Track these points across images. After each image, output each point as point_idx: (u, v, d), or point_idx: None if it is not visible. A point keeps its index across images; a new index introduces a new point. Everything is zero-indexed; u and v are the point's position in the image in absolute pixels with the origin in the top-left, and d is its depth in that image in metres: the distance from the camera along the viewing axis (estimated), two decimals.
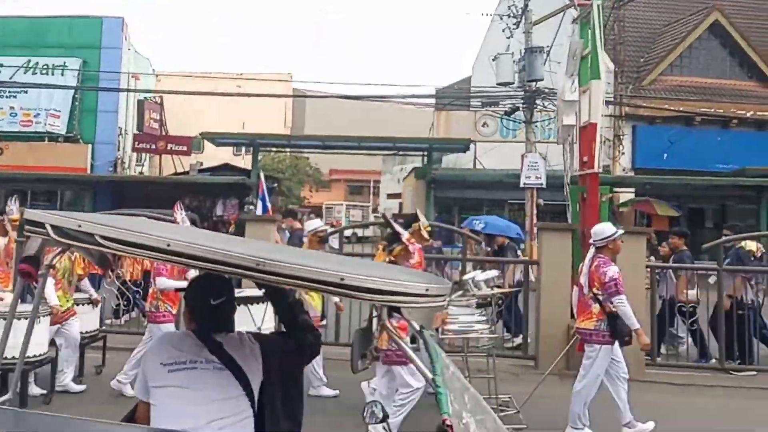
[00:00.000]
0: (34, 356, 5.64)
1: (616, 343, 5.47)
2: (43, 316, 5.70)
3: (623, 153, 19.20)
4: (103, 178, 19.08)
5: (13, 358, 5.28)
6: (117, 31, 20.15)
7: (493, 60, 16.86)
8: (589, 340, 5.53)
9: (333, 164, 40.99)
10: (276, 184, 21.97)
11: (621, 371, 5.53)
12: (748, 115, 19.90)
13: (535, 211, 16.57)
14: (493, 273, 6.60)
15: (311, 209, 37.06)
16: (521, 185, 16.38)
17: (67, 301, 6.37)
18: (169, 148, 20.33)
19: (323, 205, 38.66)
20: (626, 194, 19.70)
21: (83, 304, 6.55)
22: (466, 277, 6.42)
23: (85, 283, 6.75)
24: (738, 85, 20.68)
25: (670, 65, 20.53)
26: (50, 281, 5.87)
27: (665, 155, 19.44)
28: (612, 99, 19.32)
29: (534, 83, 16.08)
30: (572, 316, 7.15)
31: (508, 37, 17.15)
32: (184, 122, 23.49)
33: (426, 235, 6.10)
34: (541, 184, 16.38)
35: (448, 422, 1.86)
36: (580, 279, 5.71)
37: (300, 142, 20.35)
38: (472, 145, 20.01)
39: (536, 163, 16.44)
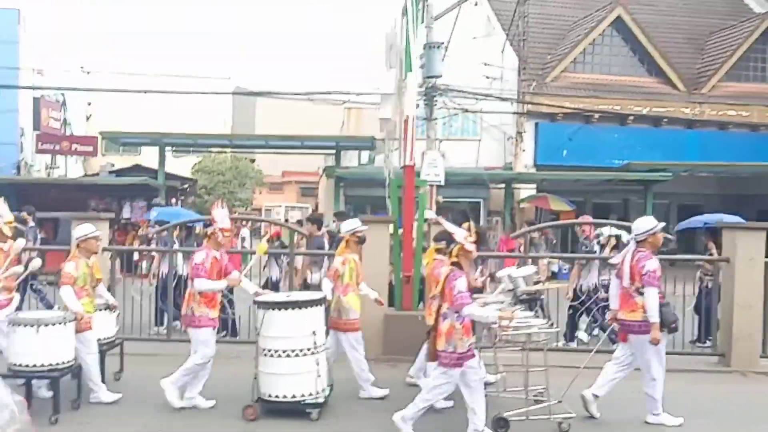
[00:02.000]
0: (63, 363, 5.66)
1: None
2: (68, 322, 5.69)
3: (524, 150, 19.70)
4: (3, 180, 18.75)
5: (26, 366, 5.56)
6: (12, 23, 19.60)
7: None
8: (637, 331, 5.70)
9: (287, 166, 40.87)
10: (186, 186, 21.82)
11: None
12: (644, 111, 20.62)
13: (434, 208, 16.94)
14: (531, 269, 6.63)
15: (257, 211, 36.98)
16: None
17: (94, 307, 6.23)
18: (73, 148, 20.01)
19: (263, 207, 38.68)
20: (529, 191, 20.26)
21: (101, 310, 6.46)
22: (500, 273, 6.43)
23: (102, 289, 6.57)
24: (638, 81, 21.42)
25: (573, 62, 21.10)
26: (69, 289, 5.86)
27: (565, 152, 20.04)
28: (515, 96, 19.82)
29: (433, 79, 16.36)
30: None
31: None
32: (114, 122, 23.04)
33: (474, 236, 5.89)
34: (440, 181, 16.76)
35: None
36: (621, 271, 5.85)
37: (207, 141, 20.23)
38: (379, 144, 20.26)
39: (435, 160, 16.76)
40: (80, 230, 6.12)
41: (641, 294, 5.65)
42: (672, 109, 21.08)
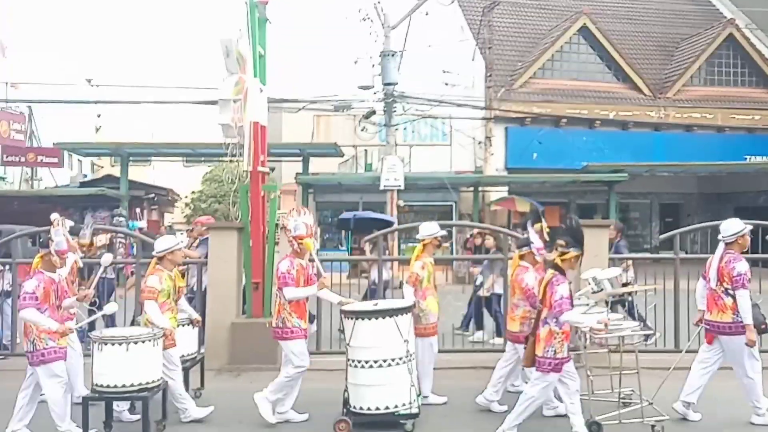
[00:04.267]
0: (153, 382, 5.38)
1: None
2: (158, 339, 5.42)
3: (492, 154, 19.87)
4: None
5: (108, 386, 5.20)
6: None
7: (355, 64, 17.32)
8: (727, 332, 5.72)
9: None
10: (152, 195, 21.66)
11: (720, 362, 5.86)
12: (611, 115, 20.98)
13: (395, 212, 17.03)
14: (617, 270, 6.48)
15: None
16: (381, 188, 16.85)
17: (176, 322, 6.02)
18: (39, 160, 19.84)
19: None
20: (501, 193, 20.42)
21: (183, 325, 6.22)
22: (584, 275, 6.29)
23: (183, 302, 6.35)
24: (605, 87, 21.85)
25: (542, 69, 21.48)
26: (155, 305, 5.64)
27: (534, 155, 20.27)
28: (482, 102, 20.05)
29: (390, 86, 16.57)
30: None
31: (375, 41, 17.66)
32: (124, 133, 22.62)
33: (546, 237, 6.05)
34: (400, 186, 16.94)
35: None
36: (708, 273, 5.89)
37: (168, 150, 20.10)
38: (351, 150, 20.41)
39: (395, 165, 16.95)
40: (165, 243, 5.92)
41: (730, 295, 5.68)
42: (638, 113, 21.52)
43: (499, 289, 9.04)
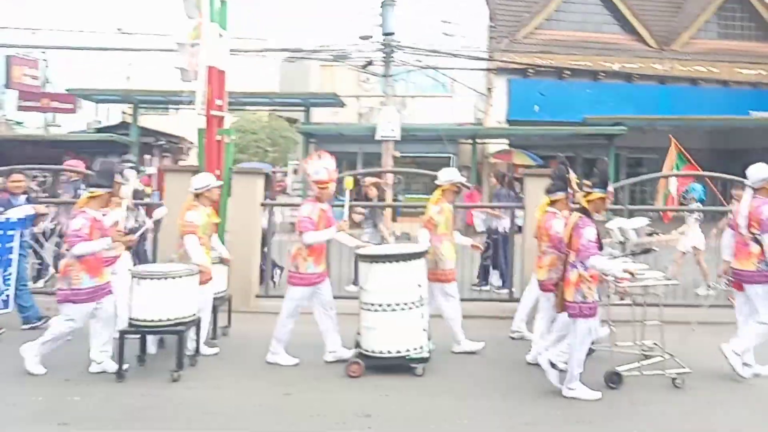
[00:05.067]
0: (189, 316, 5.51)
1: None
2: (194, 275, 5.53)
3: (492, 105, 20.12)
4: None
5: (152, 320, 5.34)
6: None
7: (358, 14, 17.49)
8: (750, 281, 5.61)
9: None
10: (162, 142, 22.22)
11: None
12: (616, 68, 20.98)
13: (391, 163, 17.47)
14: (644, 221, 6.29)
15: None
16: (377, 138, 17.21)
17: (210, 259, 6.05)
18: (52, 105, 20.44)
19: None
20: (501, 145, 20.73)
21: (214, 263, 6.21)
22: (609, 225, 6.14)
23: (216, 240, 6.40)
24: (610, 38, 21.82)
25: (548, 19, 21.45)
26: (194, 238, 5.74)
27: (536, 107, 20.46)
28: (486, 52, 20.17)
29: (389, 37, 16.74)
30: None
31: None
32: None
33: (577, 188, 5.96)
34: (396, 137, 17.29)
35: None
36: (738, 220, 5.74)
37: (178, 98, 20.44)
38: (354, 101, 20.74)
39: (391, 116, 17.26)
40: (201, 180, 6.06)
41: (757, 242, 5.56)
42: (643, 65, 21.51)
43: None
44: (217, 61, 7.84)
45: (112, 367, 5.49)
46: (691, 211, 9.22)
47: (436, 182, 6.49)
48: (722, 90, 22.23)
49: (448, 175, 6.47)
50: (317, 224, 5.76)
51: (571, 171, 6.12)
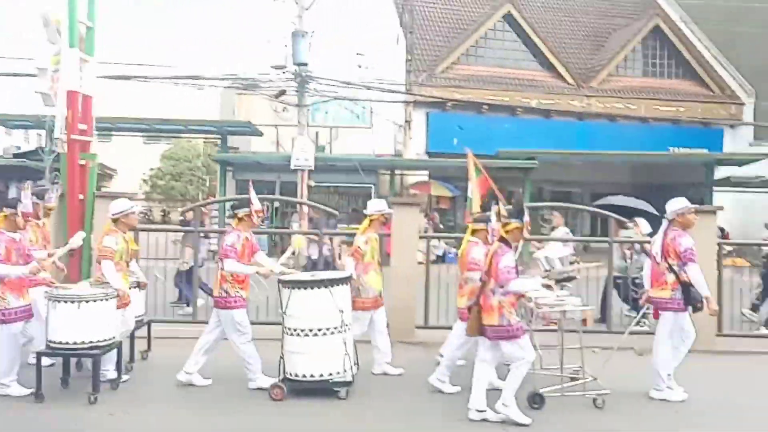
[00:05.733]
0: (104, 340, 5.52)
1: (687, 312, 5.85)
2: (111, 299, 5.61)
3: (411, 138, 20.35)
4: None
5: (60, 342, 5.39)
6: None
7: (268, 43, 17.70)
8: (664, 308, 5.87)
9: None
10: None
11: (687, 340, 5.90)
12: (533, 103, 21.44)
13: (306, 192, 17.54)
14: (567, 250, 6.63)
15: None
16: (292, 167, 17.31)
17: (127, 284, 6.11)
18: None
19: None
20: (423, 177, 20.94)
21: (132, 287, 6.27)
22: (537, 255, 6.41)
23: (134, 265, 6.49)
24: (529, 74, 22.27)
25: (465, 54, 21.89)
26: (110, 264, 5.80)
27: (455, 140, 20.70)
28: (403, 86, 20.48)
29: (301, 67, 16.94)
30: None
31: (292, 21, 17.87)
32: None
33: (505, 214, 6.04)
34: (310, 166, 17.40)
35: None
36: (653, 251, 6.04)
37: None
38: (272, 130, 20.85)
39: (305, 145, 17.41)
40: (119, 205, 6.09)
41: (672, 272, 5.81)
42: (560, 101, 22.02)
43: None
44: (78, 86, 7.90)
45: (19, 391, 5.55)
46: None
47: (365, 212, 6.77)
48: (642, 126, 22.84)
49: (376, 206, 6.75)
50: (240, 254, 5.94)
51: (500, 203, 6.24)
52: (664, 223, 6.07)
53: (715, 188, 21.09)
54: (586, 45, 24.49)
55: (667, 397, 5.91)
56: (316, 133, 21.34)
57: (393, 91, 19.34)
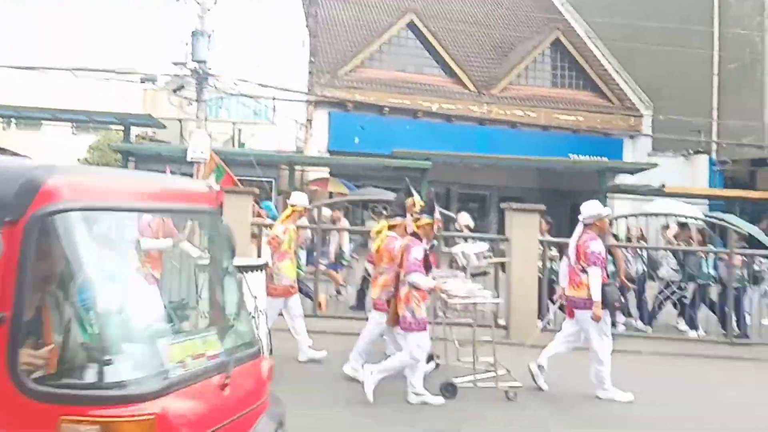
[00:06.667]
0: None
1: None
2: None
3: (312, 136, 21.21)
4: None
5: None
6: None
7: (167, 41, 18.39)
8: (581, 307, 6.17)
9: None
10: None
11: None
12: (434, 108, 22.47)
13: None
14: (484, 246, 6.95)
15: None
16: (188, 159, 17.93)
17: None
18: None
19: None
20: (323, 173, 21.76)
21: None
22: (455, 250, 6.77)
23: None
24: (430, 80, 23.34)
25: (370, 59, 22.89)
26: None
27: (356, 140, 21.62)
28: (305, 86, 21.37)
29: (199, 64, 17.68)
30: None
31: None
32: None
33: (418, 211, 6.43)
34: (206, 158, 18.04)
35: None
36: (568, 251, 6.40)
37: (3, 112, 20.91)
38: (177, 123, 21.54)
39: (201, 139, 18.06)
40: None
41: (586, 273, 6.11)
42: (461, 106, 23.07)
43: None
44: None
45: None
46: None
47: (289, 202, 7.27)
48: (542, 134, 24.00)
49: (298, 200, 7.25)
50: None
51: (416, 196, 6.79)
52: (579, 225, 6.42)
53: (608, 195, 22.31)
54: (492, 55, 25.70)
55: (614, 397, 6.25)
56: (239, 130, 22.07)
57: (292, 90, 20.21)
